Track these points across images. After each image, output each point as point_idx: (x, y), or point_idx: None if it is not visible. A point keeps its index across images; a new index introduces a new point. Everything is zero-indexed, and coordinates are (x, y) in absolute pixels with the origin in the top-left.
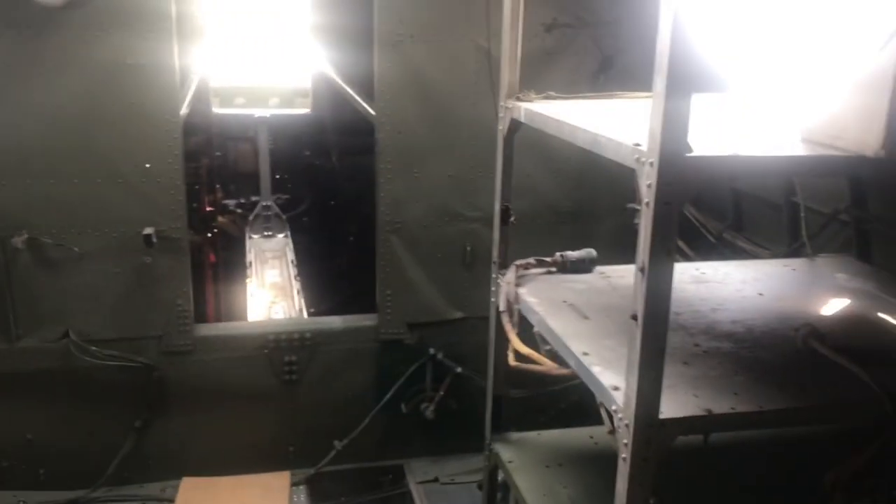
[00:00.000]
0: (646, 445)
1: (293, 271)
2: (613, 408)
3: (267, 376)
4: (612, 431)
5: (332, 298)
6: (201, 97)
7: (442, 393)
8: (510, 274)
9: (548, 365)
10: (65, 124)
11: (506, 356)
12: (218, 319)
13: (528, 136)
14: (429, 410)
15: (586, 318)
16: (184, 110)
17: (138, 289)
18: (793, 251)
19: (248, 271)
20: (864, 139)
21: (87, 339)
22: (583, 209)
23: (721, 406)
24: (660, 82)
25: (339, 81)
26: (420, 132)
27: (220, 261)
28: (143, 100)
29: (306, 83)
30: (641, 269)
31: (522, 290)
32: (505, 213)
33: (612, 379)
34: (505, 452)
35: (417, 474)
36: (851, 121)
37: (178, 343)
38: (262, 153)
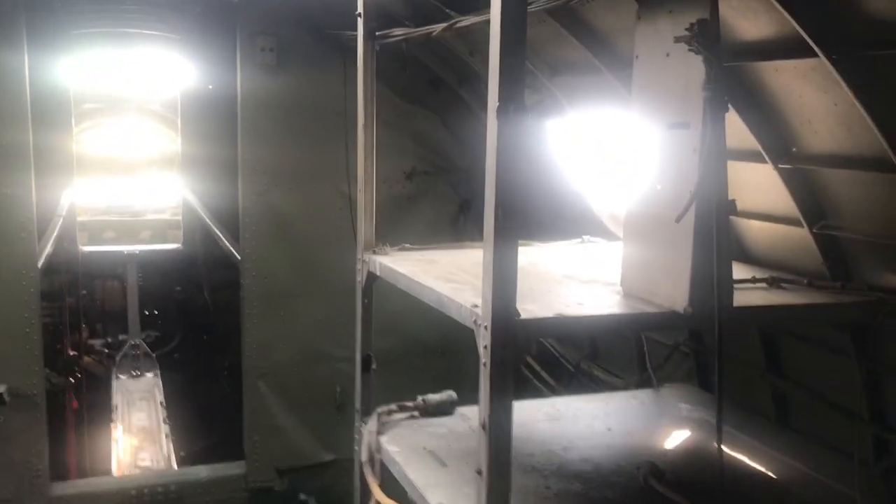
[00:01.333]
0: None
1: (162, 414)
2: None
3: None
4: None
5: (205, 438)
6: (66, 234)
7: None
8: (372, 422)
9: None
10: None
11: None
12: (81, 470)
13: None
14: None
15: (445, 465)
16: (47, 252)
17: None
18: (642, 381)
19: (114, 415)
20: (674, 296)
21: None
22: (450, 345)
23: None
24: (487, 255)
25: (207, 220)
26: (286, 275)
27: (85, 405)
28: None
29: (177, 216)
30: (483, 426)
31: (384, 439)
32: (366, 362)
33: None
34: None
35: None
36: (662, 278)
37: None
38: (130, 290)
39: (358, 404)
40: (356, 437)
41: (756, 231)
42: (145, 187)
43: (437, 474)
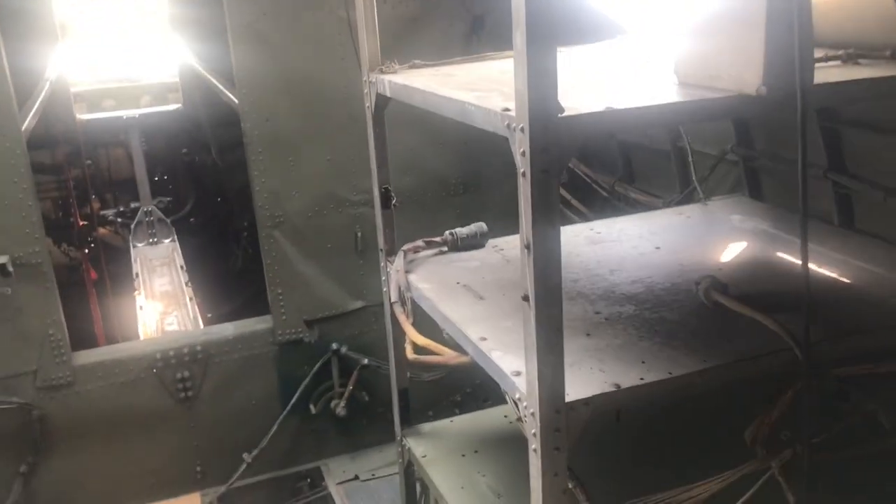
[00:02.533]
0: (555, 434)
1: (183, 278)
2: (517, 396)
3: (160, 397)
4: (520, 419)
5: (231, 300)
6: (61, 104)
7: (351, 387)
8: (399, 260)
9: (447, 355)
10: None
11: (405, 349)
12: (110, 340)
13: (407, 108)
14: (339, 407)
15: (482, 298)
16: (28, 121)
17: (1, 324)
18: (685, 197)
19: (136, 283)
20: (743, 77)
21: None
22: (472, 180)
23: (629, 378)
24: (519, 37)
25: (203, 71)
26: (289, 117)
27: (104, 276)
28: None
29: (174, 77)
30: (527, 246)
31: (413, 277)
32: (385, 197)
33: (513, 364)
34: (417, 446)
35: (336, 474)
36: (728, 60)
37: (56, 376)
38: (136, 156)
39: (381, 243)
40: (383, 278)
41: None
42: (139, 51)
43: (474, 308)
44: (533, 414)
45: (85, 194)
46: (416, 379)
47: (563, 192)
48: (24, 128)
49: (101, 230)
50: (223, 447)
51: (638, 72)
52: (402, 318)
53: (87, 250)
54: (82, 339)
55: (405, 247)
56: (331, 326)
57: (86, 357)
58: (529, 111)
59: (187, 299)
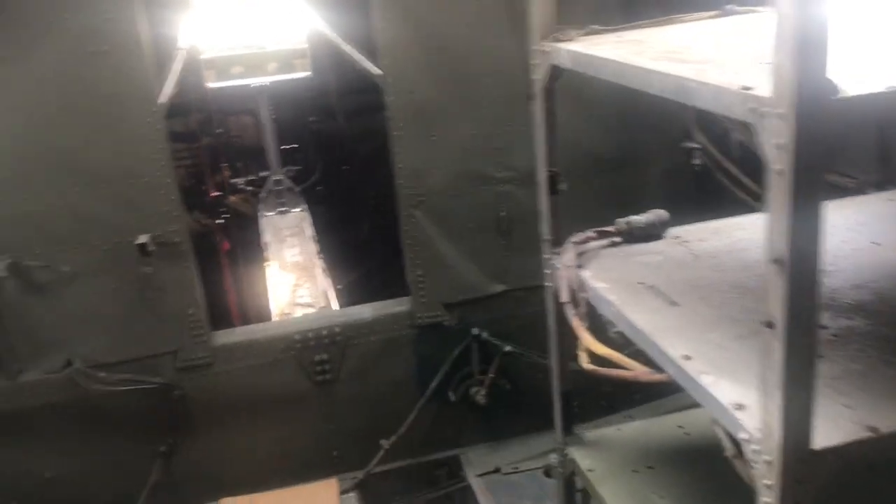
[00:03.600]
0: (798, 487)
1: (314, 248)
2: (743, 436)
3: (298, 379)
4: (738, 457)
5: (355, 269)
6: (192, 72)
7: (492, 375)
8: (569, 254)
9: (637, 370)
10: (32, 128)
11: (574, 354)
12: (241, 313)
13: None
14: (480, 395)
15: (674, 303)
16: (167, 92)
17: (142, 303)
18: (884, 179)
19: (266, 253)
20: None
21: (93, 365)
22: (629, 155)
23: (888, 418)
24: None
25: (337, 40)
26: (434, 89)
27: (236, 245)
28: (117, 89)
29: (303, 44)
30: (778, 261)
31: (587, 273)
32: (552, 181)
33: (732, 393)
34: (583, 458)
35: (476, 465)
36: None
37: (196, 356)
38: (265, 124)
39: (546, 233)
40: (546, 271)
41: None
42: (267, 18)
43: (667, 316)
44: (768, 462)
45: (215, 163)
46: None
47: (731, 168)
48: (162, 100)
49: (231, 198)
50: (360, 432)
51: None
52: (575, 321)
53: (218, 221)
54: (215, 310)
55: (574, 237)
56: (471, 310)
57: (225, 337)
58: (796, 92)
59: (319, 271)
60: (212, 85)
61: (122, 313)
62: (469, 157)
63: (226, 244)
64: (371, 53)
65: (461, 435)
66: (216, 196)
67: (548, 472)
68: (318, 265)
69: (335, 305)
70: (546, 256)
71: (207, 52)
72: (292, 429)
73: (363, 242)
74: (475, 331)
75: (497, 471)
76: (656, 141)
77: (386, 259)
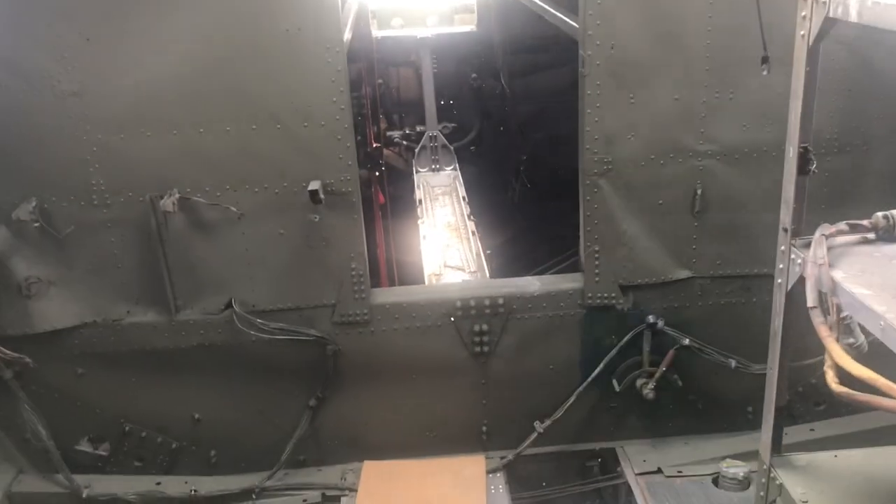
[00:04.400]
0: None
1: (466, 209)
2: None
3: (455, 348)
4: None
5: (504, 232)
6: (360, 18)
7: (664, 368)
8: (818, 249)
9: None
10: (209, 62)
11: (822, 373)
12: (391, 269)
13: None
14: (647, 388)
15: None
16: (346, 36)
17: (306, 252)
18: None
19: (419, 210)
20: None
21: (251, 311)
22: (851, 138)
23: None
24: None
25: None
26: (639, 45)
27: (389, 199)
28: (298, 26)
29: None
30: None
31: (839, 274)
32: (804, 159)
33: None
34: (794, 485)
35: (635, 462)
36: None
37: (354, 312)
38: (426, 78)
39: (787, 221)
40: (779, 265)
41: None
42: None
43: None
44: None
45: (374, 113)
46: (744, 370)
47: None
48: (346, 40)
49: (386, 151)
50: (513, 410)
51: None
52: (823, 331)
53: (377, 173)
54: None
55: (824, 229)
56: (649, 295)
57: (384, 296)
58: None
59: (469, 233)
60: (377, 33)
61: (285, 260)
62: (669, 124)
63: (381, 197)
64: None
65: (621, 427)
66: (375, 148)
67: (716, 480)
68: (469, 227)
69: (486, 270)
70: (782, 248)
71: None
72: (443, 398)
73: (512, 206)
74: (651, 318)
75: (659, 471)
76: (889, 124)
77: (533, 225)
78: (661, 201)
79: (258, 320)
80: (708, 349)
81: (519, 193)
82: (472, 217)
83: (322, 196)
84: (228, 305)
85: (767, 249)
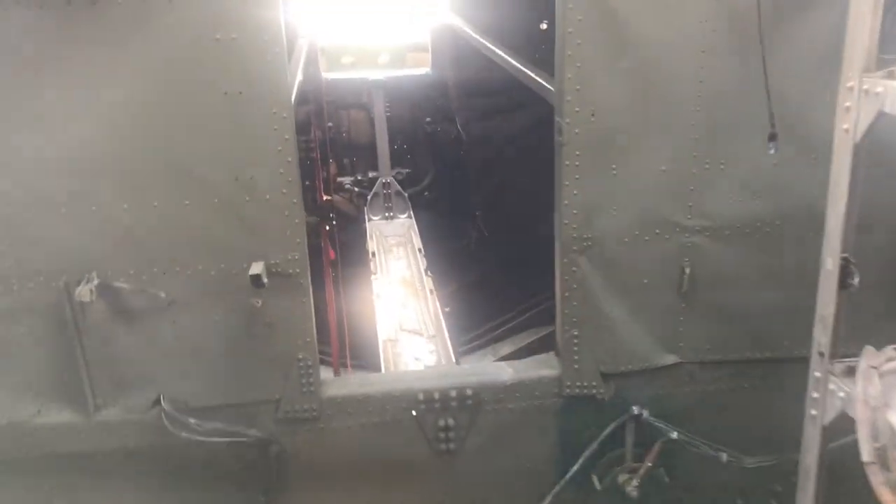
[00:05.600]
0: None
1: (422, 264)
2: None
3: (416, 445)
4: None
5: (458, 279)
6: (313, 62)
7: (649, 463)
8: (868, 384)
9: None
10: (134, 127)
11: None
12: (341, 331)
13: None
14: (631, 486)
15: None
16: (298, 79)
17: (247, 341)
18: None
19: (372, 264)
20: None
21: (183, 409)
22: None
23: None
24: None
25: (477, 37)
26: (623, 112)
27: (338, 251)
28: (240, 88)
29: (424, 37)
30: None
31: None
32: (845, 271)
33: None
34: None
35: None
36: None
37: (302, 408)
38: (378, 122)
39: (824, 343)
40: (812, 394)
41: None
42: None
43: None
44: None
45: (324, 158)
46: (736, 464)
47: None
48: (293, 96)
49: (336, 197)
50: None
51: None
52: (886, 496)
53: (327, 227)
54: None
55: (871, 357)
56: (632, 383)
57: (336, 387)
58: None
59: (427, 291)
60: (327, 75)
61: (223, 351)
62: (655, 197)
63: (332, 252)
64: (534, 62)
65: None
66: (326, 201)
67: None
68: (427, 284)
69: (445, 334)
70: (817, 374)
71: (323, 39)
72: (404, 501)
73: (468, 254)
74: (635, 409)
75: None
76: None
77: (490, 272)
78: (645, 280)
79: (191, 419)
80: (697, 441)
81: (475, 241)
82: (429, 273)
83: (265, 280)
84: (156, 403)
85: (761, 331)
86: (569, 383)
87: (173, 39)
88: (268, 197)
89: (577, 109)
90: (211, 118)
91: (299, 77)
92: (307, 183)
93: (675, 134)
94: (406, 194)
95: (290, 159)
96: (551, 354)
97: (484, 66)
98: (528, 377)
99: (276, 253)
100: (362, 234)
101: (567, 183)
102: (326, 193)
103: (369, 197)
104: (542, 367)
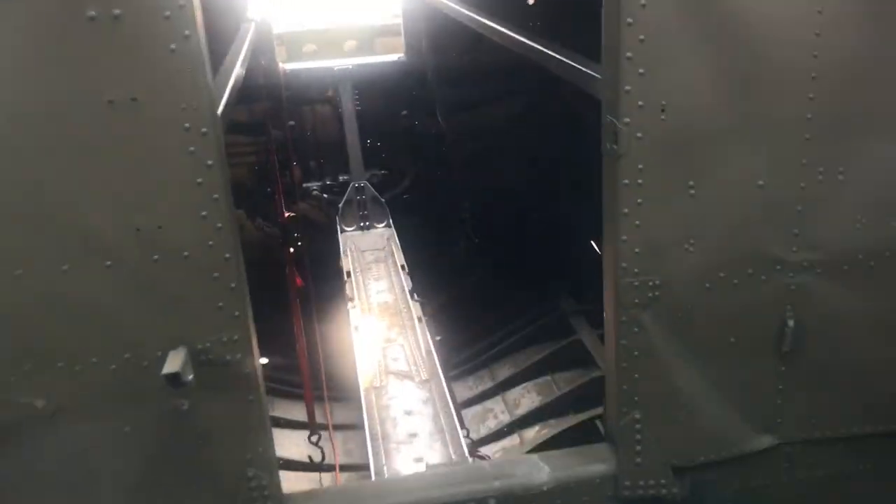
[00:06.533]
0: None
1: (407, 283)
2: None
3: None
4: None
5: (445, 292)
6: (265, 51)
7: None
8: None
9: None
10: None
11: None
12: (315, 373)
13: None
14: None
15: None
16: (240, 70)
17: (169, 458)
18: None
19: (348, 287)
20: None
21: None
22: None
23: None
24: None
25: (499, 27)
26: (708, 105)
27: (306, 270)
28: (133, 91)
29: (395, 19)
30: None
31: None
32: None
33: None
34: None
35: None
36: None
37: None
38: (347, 118)
39: None
40: None
41: None
42: None
43: None
44: None
45: (287, 162)
46: None
47: None
48: (226, 93)
49: (302, 205)
50: None
51: None
52: None
53: (291, 249)
54: (277, 372)
55: None
56: (714, 476)
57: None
58: None
59: (416, 320)
60: (287, 66)
61: (136, 473)
62: (748, 224)
63: (298, 279)
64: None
65: None
66: (290, 219)
67: None
68: (414, 311)
69: (441, 377)
70: None
71: (280, 25)
72: None
73: (452, 261)
74: None
75: None
76: None
77: (477, 282)
78: (732, 339)
79: None
80: None
81: (464, 249)
82: (416, 296)
83: (189, 378)
84: None
85: (886, 398)
86: (628, 483)
87: (24, 21)
88: (186, 254)
89: (640, 104)
90: (91, 140)
91: (238, 70)
92: (269, 190)
93: (777, 133)
94: (383, 200)
95: (216, 196)
96: (603, 445)
97: (467, 48)
98: (574, 477)
99: (205, 334)
100: (335, 249)
101: (626, 211)
102: (291, 206)
103: (341, 205)
104: (590, 462)
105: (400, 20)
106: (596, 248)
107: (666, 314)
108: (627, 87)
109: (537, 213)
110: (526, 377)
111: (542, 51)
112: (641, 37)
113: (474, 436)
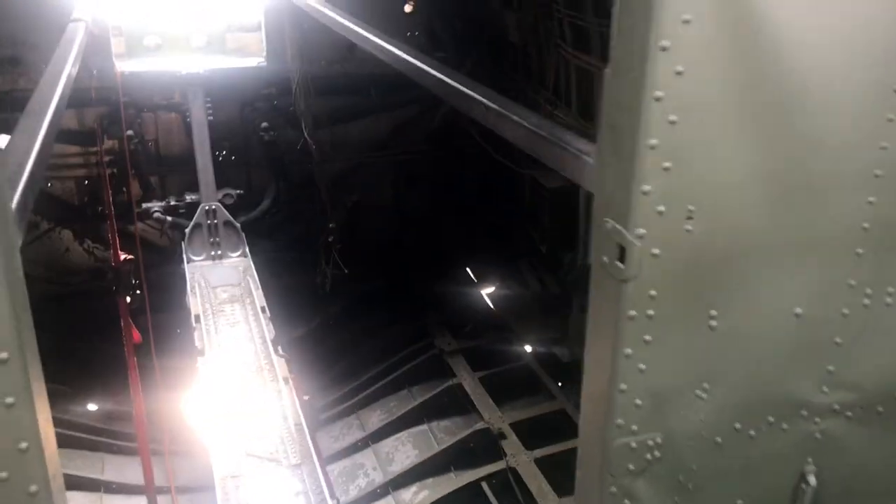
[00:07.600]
0: None
1: (269, 332)
2: None
3: None
4: None
5: (305, 322)
6: (98, 50)
7: None
8: None
9: None
10: None
11: None
12: (157, 442)
13: None
14: None
15: None
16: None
17: None
18: None
19: (196, 336)
20: None
21: None
22: None
23: None
24: None
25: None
26: (748, 215)
27: (149, 334)
28: None
29: (254, 16)
30: None
31: None
32: None
33: None
34: None
35: None
36: None
37: None
38: (197, 128)
39: None
40: None
41: None
42: None
43: None
44: None
45: (123, 178)
46: None
47: None
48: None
49: (140, 226)
50: None
51: None
52: None
53: (128, 298)
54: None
55: None
56: None
57: None
58: None
59: (280, 380)
60: (125, 67)
61: None
62: (772, 360)
63: (136, 335)
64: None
65: None
66: (125, 262)
67: None
68: (280, 370)
69: (314, 458)
70: None
71: (116, 19)
72: None
73: (315, 288)
74: None
75: None
76: None
77: (348, 316)
78: (740, 502)
79: None
80: None
81: (329, 277)
82: (281, 351)
83: None
84: None
85: None
86: None
87: None
88: None
89: (659, 209)
90: None
91: (70, 70)
92: (101, 209)
93: (827, 247)
94: (238, 225)
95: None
96: None
97: (338, 57)
98: None
99: None
100: (180, 282)
101: (629, 352)
102: (127, 230)
103: (188, 229)
104: None
105: (255, 16)
106: (472, 275)
107: (665, 479)
108: (646, 188)
109: (412, 239)
110: (399, 426)
111: (449, 83)
112: (673, 118)
113: (343, 499)
